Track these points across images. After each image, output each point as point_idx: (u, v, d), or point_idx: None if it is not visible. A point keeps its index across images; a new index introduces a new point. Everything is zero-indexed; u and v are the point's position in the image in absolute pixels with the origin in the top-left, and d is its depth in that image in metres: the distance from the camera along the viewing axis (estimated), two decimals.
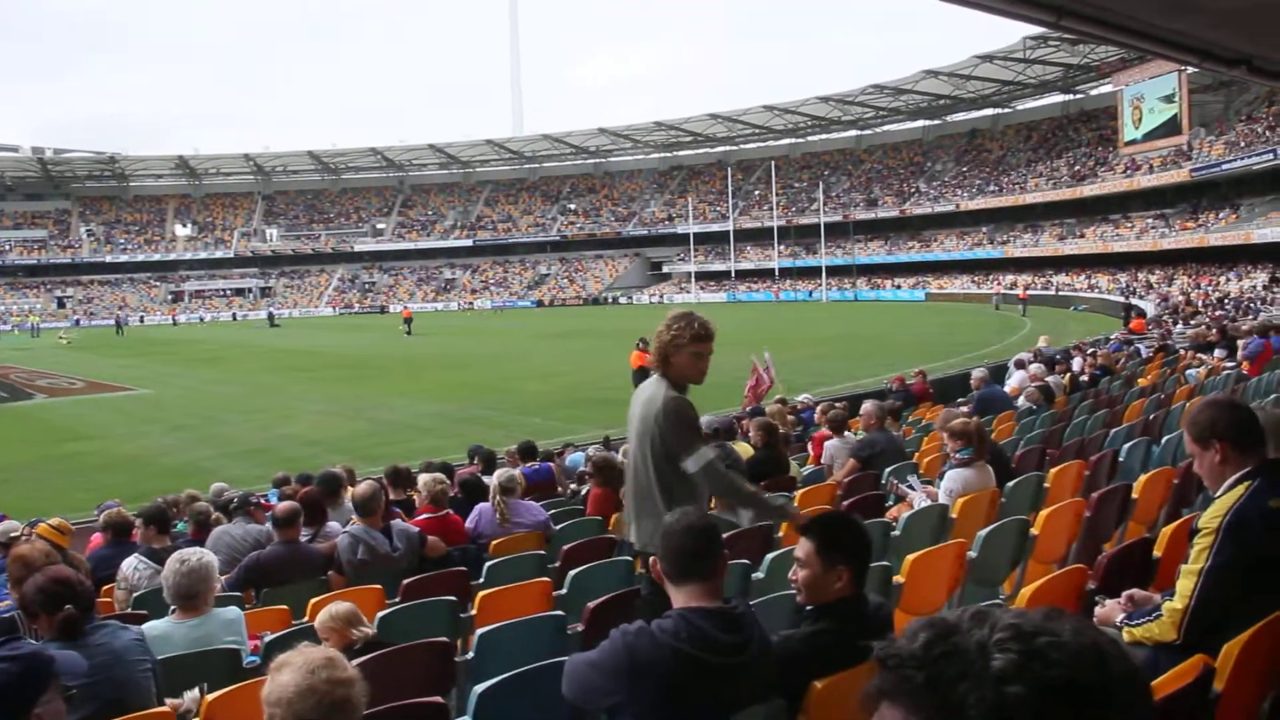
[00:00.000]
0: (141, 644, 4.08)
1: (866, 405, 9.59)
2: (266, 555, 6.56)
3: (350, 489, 9.03)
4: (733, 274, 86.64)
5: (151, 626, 4.71)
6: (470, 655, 4.50)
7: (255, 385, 31.93)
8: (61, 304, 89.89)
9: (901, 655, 0.98)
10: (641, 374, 21.63)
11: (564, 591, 5.58)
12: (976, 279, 69.82)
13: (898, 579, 4.91)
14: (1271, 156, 50.71)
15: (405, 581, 5.95)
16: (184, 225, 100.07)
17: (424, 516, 7.37)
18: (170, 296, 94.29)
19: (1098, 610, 3.84)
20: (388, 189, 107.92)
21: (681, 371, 4.43)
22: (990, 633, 0.95)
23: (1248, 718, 3.23)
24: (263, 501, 9.12)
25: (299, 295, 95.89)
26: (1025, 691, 0.90)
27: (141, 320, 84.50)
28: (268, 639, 4.80)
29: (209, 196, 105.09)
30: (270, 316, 75.60)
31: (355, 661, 4.07)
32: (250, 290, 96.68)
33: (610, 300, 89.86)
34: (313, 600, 5.54)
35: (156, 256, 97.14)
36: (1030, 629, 0.94)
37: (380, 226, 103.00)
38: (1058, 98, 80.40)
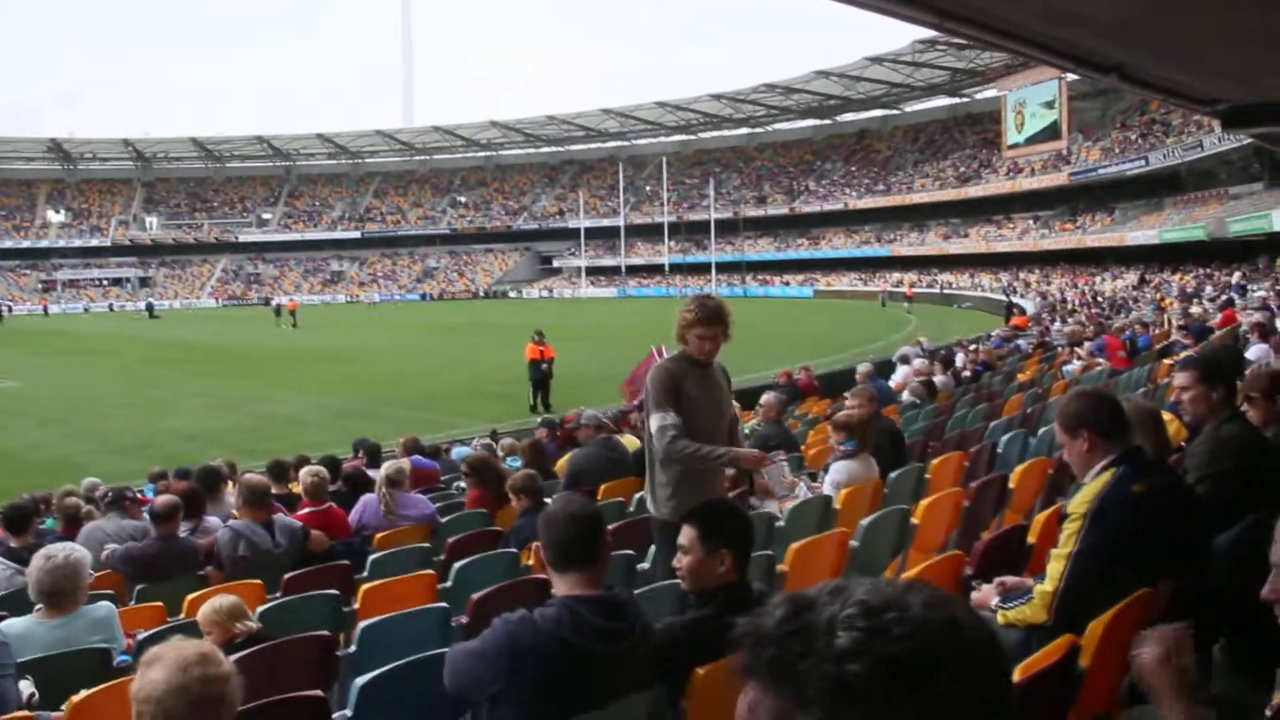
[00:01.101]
0: (4, 647, 3.93)
1: (767, 397, 9.69)
2: (141, 549, 6.37)
3: (231, 483, 8.84)
4: (623, 269, 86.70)
5: (10, 625, 4.53)
6: (353, 649, 4.43)
7: (133, 378, 30.96)
8: None
9: (755, 633, 0.97)
10: (535, 367, 21.71)
11: (449, 584, 5.53)
12: (864, 277, 71.12)
13: (781, 568, 4.97)
14: (1143, 163, 52.73)
15: (287, 576, 5.83)
16: (57, 211, 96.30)
17: (306, 510, 7.23)
18: (41, 286, 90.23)
19: (973, 595, 3.94)
20: (274, 178, 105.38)
21: (693, 349, 4.90)
22: (840, 608, 0.93)
23: (1110, 693, 3.35)
24: (139, 496, 8.85)
25: (180, 286, 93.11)
26: (864, 669, 0.88)
27: (10, 310, 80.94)
28: (140, 636, 4.66)
29: (84, 182, 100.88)
30: (149, 307, 72.92)
31: (234, 656, 3.99)
32: (128, 280, 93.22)
33: (500, 294, 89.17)
34: (190, 596, 5.40)
35: (26, 244, 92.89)
36: (879, 604, 0.92)
37: (266, 216, 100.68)
38: (944, 101, 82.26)
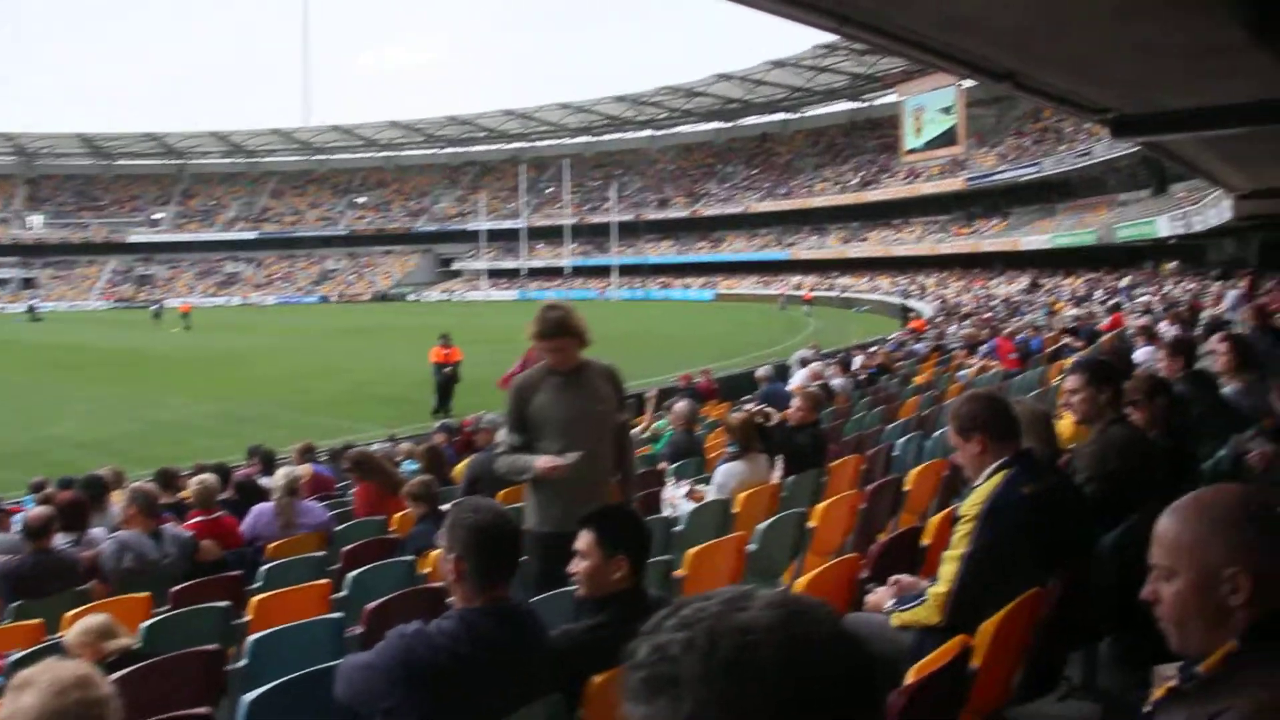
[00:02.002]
0: None
1: (679, 405, 9.72)
2: (15, 565, 6.12)
3: (116, 493, 8.57)
4: (524, 271, 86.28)
5: None
6: (243, 662, 4.30)
7: (13, 384, 29.86)
8: None
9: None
10: (439, 369, 21.46)
11: (344, 593, 5.41)
12: (765, 280, 71.81)
13: (680, 573, 4.97)
14: (1037, 170, 54.25)
15: (175, 589, 5.66)
16: None
17: (196, 520, 7.04)
18: None
19: (868, 598, 3.98)
20: (166, 177, 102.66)
21: (548, 361, 4.80)
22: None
23: (1002, 690, 3.41)
24: (11, 507, 8.52)
25: (66, 288, 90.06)
26: (633, 680, 0.99)
27: None
28: (13, 657, 4.46)
29: None
30: (31, 309, 70.50)
31: (113, 676, 3.84)
32: (9, 281, 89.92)
33: (399, 297, 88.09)
34: (70, 613, 5.21)
35: None
36: (679, 623, 1.00)
37: (157, 216, 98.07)
38: (845, 105, 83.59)
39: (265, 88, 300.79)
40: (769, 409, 10.04)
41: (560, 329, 4.67)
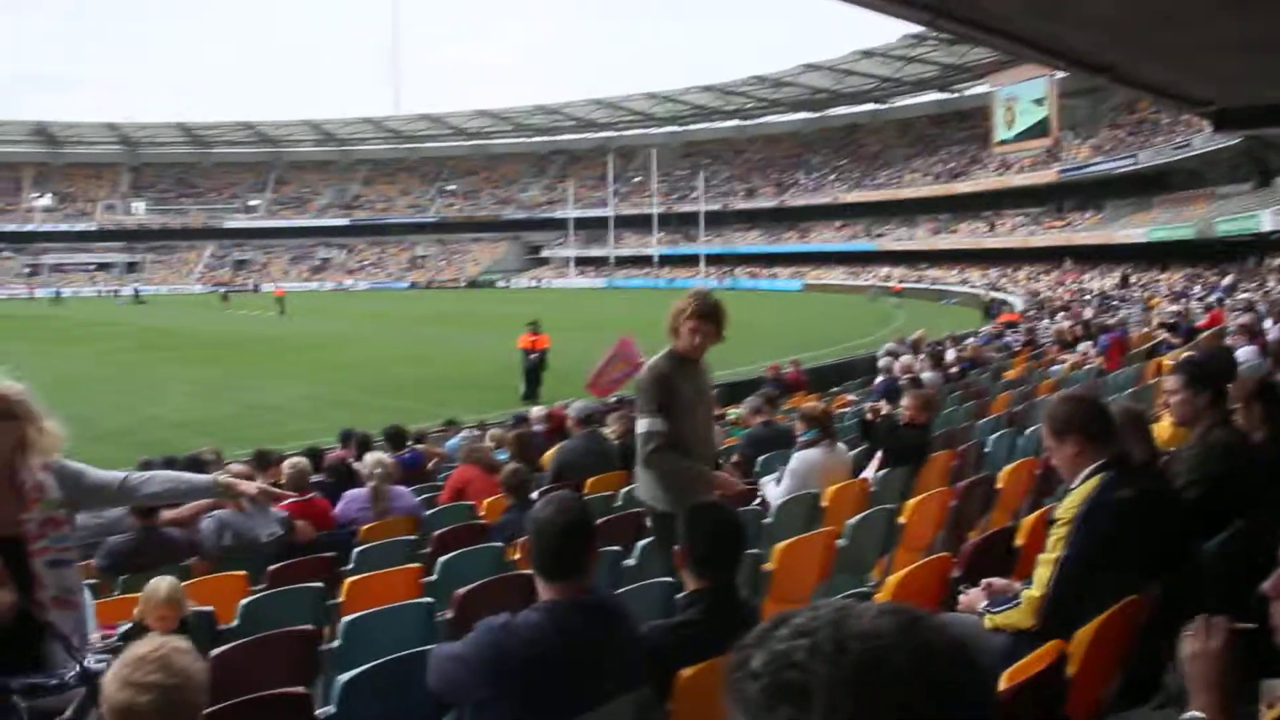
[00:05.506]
0: None
1: (749, 401, 9.74)
2: (122, 542, 6.32)
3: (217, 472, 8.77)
4: (612, 260, 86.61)
5: None
6: (337, 643, 4.39)
7: (119, 364, 30.77)
8: None
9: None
10: (527, 356, 21.63)
11: (434, 578, 5.50)
12: (853, 270, 71.15)
13: (768, 567, 4.96)
14: (1133, 162, 52.85)
15: (271, 567, 5.80)
16: (42, 195, 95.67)
17: (289, 501, 7.18)
18: (27, 270, 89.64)
19: (961, 598, 3.93)
20: (261, 165, 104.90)
21: (682, 342, 4.90)
22: (780, 628, 1.01)
23: (1097, 699, 3.35)
24: None
25: (167, 271, 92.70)
26: (756, 688, 0.97)
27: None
28: (122, 629, 4.61)
29: (70, 166, 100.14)
30: (136, 292, 72.86)
31: (218, 651, 3.96)
32: (115, 265, 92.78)
33: (487, 284, 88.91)
34: None
35: (11, 227, 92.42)
36: (800, 630, 0.99)
37: (253, 203, 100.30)
38: (934, 96, 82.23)
39: (357, 78, 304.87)
40: (880, 404, 9.95)
41: (715, 311, 4.87)
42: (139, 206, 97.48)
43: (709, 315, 4.84)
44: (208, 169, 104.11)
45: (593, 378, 14.61)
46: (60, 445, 3.61)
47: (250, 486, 4.17)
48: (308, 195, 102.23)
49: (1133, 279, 43.72)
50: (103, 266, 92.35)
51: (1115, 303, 32.63)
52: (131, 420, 20.27)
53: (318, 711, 3.46)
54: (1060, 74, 51.75)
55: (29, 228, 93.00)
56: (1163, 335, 16.66)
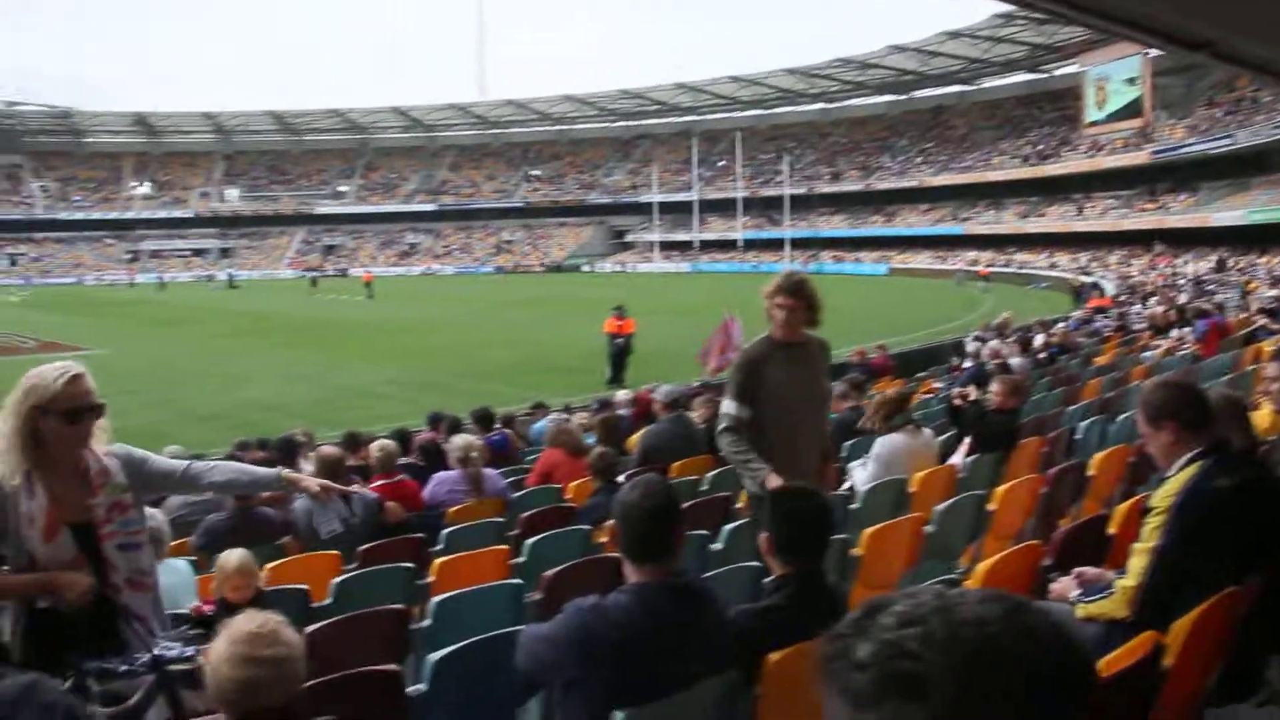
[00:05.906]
0: None
1: (838, 387, 9.65)
2: (219, 521, 6.50)
3: (309, 454, 8.96)
4: (696, 244, 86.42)
5: None
6: (427, 622, 4.47)
7: (213, 348, 31.58)
8: (14, 262, 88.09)
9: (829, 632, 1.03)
10: (613, 340, 21.73)
11: (522, 559, 5.56)
12: (939, 255, 70.11)
13: (856, 552, 4.94)
14: (1230, 142, 51.20)
15: (362, 548, 5.91)
16: (141, 183, 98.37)
17: (379, 483, 7.31)
18: (127, 255, 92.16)
19: (1052, 587, 3.88)
20: (349, 151, 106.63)
21: (773, 323, 4.92)
22: (883, 616, 0.99)
23: (1195, 693, 3.28)
24: None
25: (260, 257, 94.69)
26: (867, 679, 0.95)
27: (99, 279, 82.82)
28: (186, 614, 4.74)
29: (168, 155, 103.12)
30: (230, 277, 74.72)
31: (308, 629, 4.05)
32: (209, 251, 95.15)
33: (573, 268, 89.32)
34: (268, 566, 5.49)
35: (113, 215, 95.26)
36: (907, 618, 0.97)
37: (342, 189, 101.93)
38: (1023, 76, 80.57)
39: (442, 64, 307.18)
40: (969, 390, 9.83)
41: (799, 288, 4.87)
42: (232, 194, 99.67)
43: (794, 292, 4.85)
44: (298, 156, 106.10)
45: (705, 353, 16.83)
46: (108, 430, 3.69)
47: (313, 483, 4.18)
48: (395, 181, 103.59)
49: (1230, 263, 42.45)
50: (198, 252, 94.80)
51: (1211, 287, 31.74)
52: (227, 403, 20.79)
53: (408, 689, 3.53)
54: (1154, 52, 50.35)
55: (129, 215, 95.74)
56: (1261, 321, 16.20)
